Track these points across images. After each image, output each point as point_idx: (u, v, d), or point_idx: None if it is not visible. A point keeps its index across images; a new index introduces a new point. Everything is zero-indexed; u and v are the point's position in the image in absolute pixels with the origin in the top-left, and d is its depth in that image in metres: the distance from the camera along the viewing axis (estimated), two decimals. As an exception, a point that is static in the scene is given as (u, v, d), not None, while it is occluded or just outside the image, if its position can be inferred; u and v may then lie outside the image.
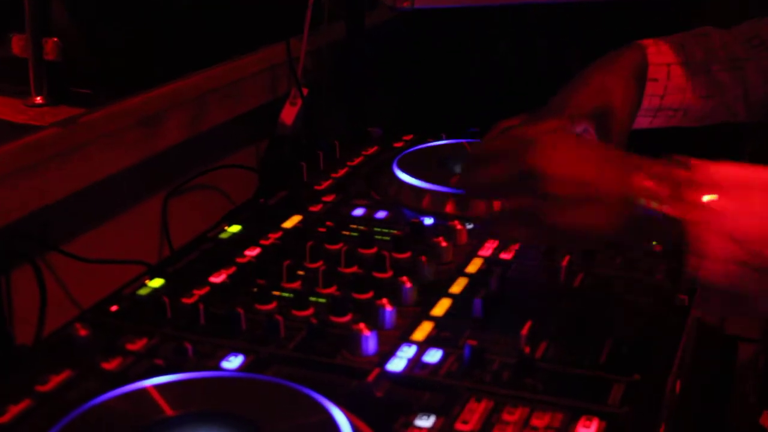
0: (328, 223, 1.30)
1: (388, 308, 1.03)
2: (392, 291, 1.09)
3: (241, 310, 1.04)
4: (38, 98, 2.01)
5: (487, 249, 1.23)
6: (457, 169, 1.45)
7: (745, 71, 1.40)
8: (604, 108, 1.37)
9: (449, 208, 1.35)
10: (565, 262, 1.15)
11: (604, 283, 1.12)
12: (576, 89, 1.40)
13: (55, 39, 2.07)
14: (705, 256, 0.91)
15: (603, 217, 0.95)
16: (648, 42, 1.41)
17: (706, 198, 0.91)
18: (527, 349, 0.97)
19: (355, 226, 1.31)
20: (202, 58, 1.64)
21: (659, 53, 1.39)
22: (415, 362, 0.97)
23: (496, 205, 1.32)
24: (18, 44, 2.06)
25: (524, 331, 0.99)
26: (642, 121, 1.42)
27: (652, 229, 0.94)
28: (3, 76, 2.26)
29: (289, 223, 1.33)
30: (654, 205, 0.92)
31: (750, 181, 0.93)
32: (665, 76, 1.39)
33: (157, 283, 1.15)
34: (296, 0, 1.68)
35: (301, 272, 1.17)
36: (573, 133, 1.06)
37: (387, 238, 1.26)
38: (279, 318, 1.02)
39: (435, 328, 1.04)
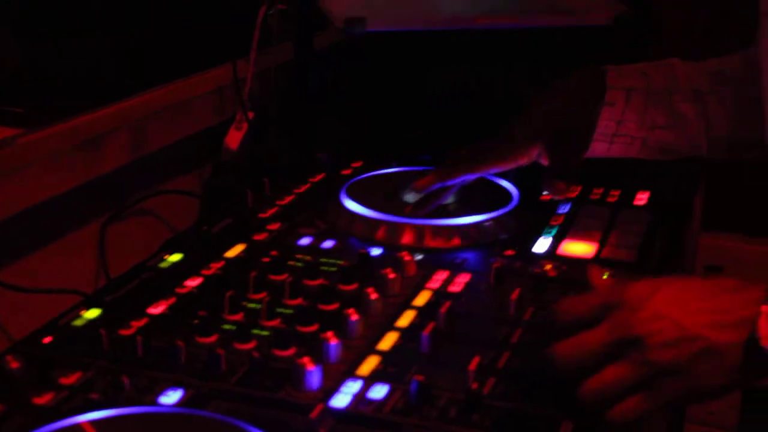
0: (273, 253, 1.31)
1: (333, 342, 1.03)
2: (338, 324, 1.09)
3: (180, 343, 1.04)
4: None
5: (436, 281, 1.24)
6: (409, 198, 1.45)
7: (708, 105, 1.43)
8: (561, 131, 1.39)
9: (398, 238, 1.36)
10: (515, 296, 1.16)
11: (555, 317, 1.09)
12: (533, 112, 1.42)
13: None
14: None
15: (722, 370, 0.92)
16: (610, 67, 1.42)
17: None
18: (475, 385, 0.97)
19: (300, 256, 1.31)
20: (146, 79, 1.63)
21: (619, 77, 1.41)
22: (360, 398, 0.97)
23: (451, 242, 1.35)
24: None
25: (472, 366, 0.99)
26: (599, 147, 1.43)
27: None
28: None
29: (232, 253, 1.32)
30: None
31: None
32: (623, 101, 1.40)
33: (93, 313, 1.14)
34: (244, 20, 1.68)
35: (243, 304, 1.16)
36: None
37: (334, 269, 1.26)
38: (220, 351, 1.02)
39: (381, 362, 1.04)
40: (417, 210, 1.41)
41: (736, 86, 1.44)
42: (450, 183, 1.42)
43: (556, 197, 1.37)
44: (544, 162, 1.40)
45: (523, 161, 1.40)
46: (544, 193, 1.49)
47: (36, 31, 2.34)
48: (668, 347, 0.92)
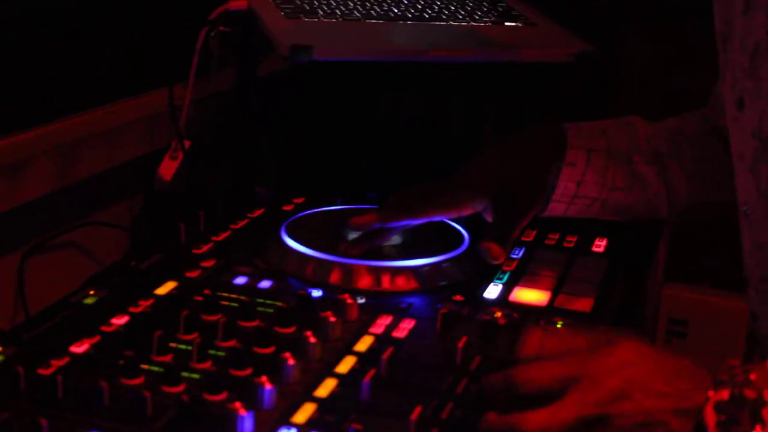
0: (206, 292, 1.31)
1: (268, 387, 1.04)
2: (273, 368, 1.10)
3: (104, 384, 1.03)
4: None
5: (379, 326, 1.24)
6: (353, 236, 1.47)
7: (668, 168, 1.47)
8: (510, 188, 1.41)
9: (340, 280, 1.37)
10: (461, 344, 1.16)
11: (502, 367, 1.10)
12: (484, 164, 1.45)
13: None
14: None
15: None
16: (569, 125, 1.45)
17: None
18: None
19: (235, 296, 1.31)
20: (75, 102, 1.63)
21: (579, 136, 1.44)
22: None
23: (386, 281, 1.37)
24: None
25: (414, 416, 1.00)
26: (557, 207, 1.46)
27: None
28: None
29: (163, 290, 1.32)
30: None
31: None
32: (584, 162, 1.43)
33: (9, 351, 1.14)
34: (183, 44, 1.69)
35: (173, 344, 1.16)
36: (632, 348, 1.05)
37: (271, 310, 1.27)
38: (146, 394, 1.02)
39: (318, 410, 1.04)
40: (352, 248, 1.42)
41: (696, 146, 1.49)
42: (389, 226, 1.44)
43: (490, 262, 1.38)
44: (488, 217, 1.42)
45: (466, 212, 1.42)
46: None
47: None
48: (633, 429, 0.97)
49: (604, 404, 0.97)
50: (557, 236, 1.60)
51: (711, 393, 0.95)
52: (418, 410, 1.01)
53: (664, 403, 0.98)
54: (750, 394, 0.94)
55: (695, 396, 0.97)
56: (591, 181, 1.45)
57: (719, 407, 0.94)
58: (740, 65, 1.25)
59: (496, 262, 1.35)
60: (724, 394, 0.95)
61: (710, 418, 0.94)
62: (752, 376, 0.96)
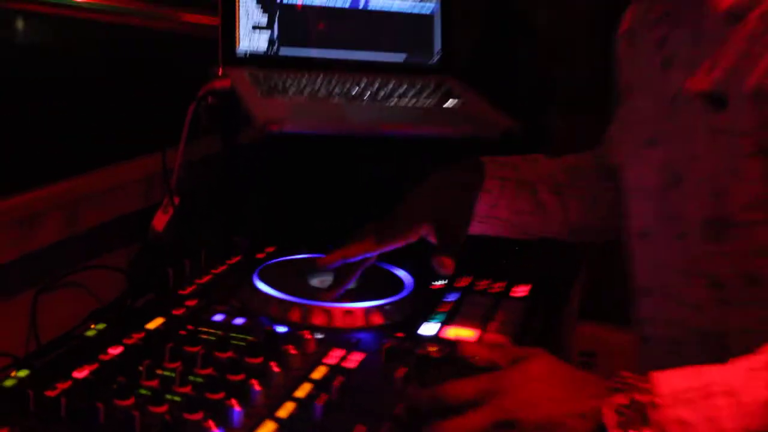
0: (189, 327, 1.31)
1: (237, 408, 1.06)
2: (242, 393, 1.11)
3: (100, 405, 1.05)
4: None
5: (333, 358, 1.25)
6: (314, 282, 1.48)
7: (566, 197, 1.50)
8: (445, 213, 1.41)
9: (301, 317, 1.37)
10: (400, 373, 1.18)
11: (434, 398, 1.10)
12: (421, 196, 1.44)
13: None
14: None
15: None
16: (486, 159, 1.47)
17: (677, 416, 0.97)
18: None
19: (213, 331, 1.31)
20: (82, 164, 1.63)
21: (495, 169, 1.46)
22: None
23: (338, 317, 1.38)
24: None
25: None
26: (475, 227, 1.47)
27: None
28: None
29: (153, 325, 1.32)
30: None
31: (711, 389, 0.98)
32: (498, 190, 1.45)
33: (22, 374, 1.15)
34: (175, 115, 1.70)
35: (159, 371, 1.17)
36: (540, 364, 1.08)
37: (242, 343, 1.27)
38: (135, 413, 1.03)
39: (278, 429, 1.06)
40: (328, 294, 1.43)
41: (589, 180, 1.52)
42: (351, 260, 1.43)
43: (443, 273, 1.37)
44: (432, 240, 1.42)
45: (413, 239, 1.42)
46: (436, 276, 1.51)
47: None
48: (539, 430, 1.00)
49: (514, 411, 1.01)
50: (486, 283, 1.59)
51: (607, 399, 0.99)
52: (361, 429, 1.04)
53: (564, 408, 1.01)
54: (642, 398, 0.98)
55: (591, 401, 1.00)
56: (503, 205, 1.46)
57: (618, 409, 0.98)
58: (654, 111, 1.28)
59: (448, 273, 1.35)
60: (622, 399, 0.98)
61: (609, 418, 0.98)
62: (642, 384, 1.00)
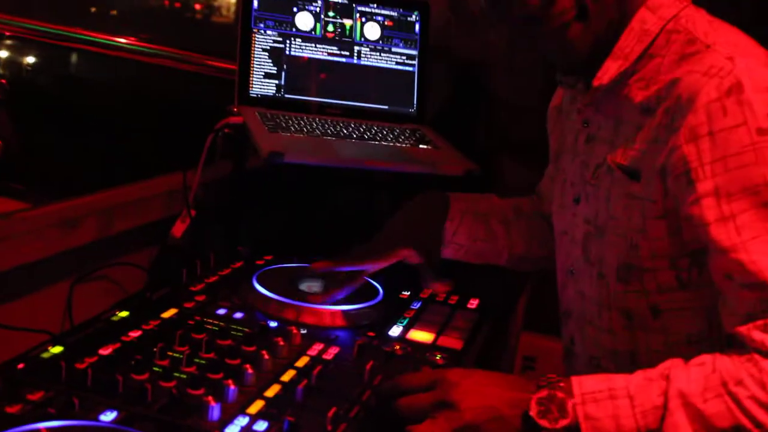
0: (197, 318, 1.32)
1: (232, 387, 1.07)
2: (237, 375, 1.12)
3: (119, 377, 1.06)
4: None
5: (314, 350, 1.26)
6: (302, 286, 1.47)
7: (511, 229, 1.49)
8: (421, 237, 1.41)
9: (290, 315, 1.37)
10: (369, 366, 1.19)
11: (395, 384, 1.12)
12: (399, 223, 1.43)
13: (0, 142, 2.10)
14: None
15: (507, 430, 1.01)
16: (451, 194, 1.47)
17: (585, 411, 1.00)
18: (330, 427, 1.03)
19: (216, 322, 1.31)
20: (116, 179, 1.63)
21: (457, 202, 1.46)
22: (247, 430, 1.01)
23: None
24: None
25: (330, 413, 1.04)
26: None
27: None
28: None
29: (167, 314, 1.32)
30: (548, 422, 1.00)
31: (615, 392, 1.01)
32: (459, 219, 1.45)
33: (57, 349, 1.15)
34: (195, 143, 1.69)
35: (170, 353, 1.17)
36: (480, 371, 1.11)
37: (240, 333, 1.27)
38: (148, 386, 1.05)
39: (265, 405, 1.07)
40: (321, 298, 1.41)
41: (529, 219, 1.52)
42: (338, 269, 1.41)
43: (440, 292, 1.40)
44: (412, 261, 1.41)
45: (394, 260, 1.41)
46: (404, 286, 1.53)
47: (36, 128, 2.36)
48: (473, 410, 1.02)
49: (453, 395, 1.03)
50: (444, 296, 1.58)
51: (534, 395, 1.01)
52: (333, 410, 1.06)
53: (498, 397, 1.03)
54: (560, 394, 1.01)
55: (521, 394, 1.03)
56: (463, 232, 1.46)
57: (540, 401, 1.01)
58: (578, 176, 1.27)
59: (443, 291, 1.39)
60: (544, 393, 1.01)
61: (533, 408, 1.00)
62: (562, 384, 1.02)
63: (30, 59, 3.68)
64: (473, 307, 1.56)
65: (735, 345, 1.04)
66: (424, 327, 1.43)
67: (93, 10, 4.07)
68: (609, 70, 1.16)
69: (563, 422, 1.00)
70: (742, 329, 1.02)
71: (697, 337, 1.16)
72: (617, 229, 1.18)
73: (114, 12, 4.13)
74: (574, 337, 1.33)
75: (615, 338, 1.23)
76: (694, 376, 1.01)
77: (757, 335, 1.00)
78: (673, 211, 1.10)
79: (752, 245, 1.01)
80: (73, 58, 3.33)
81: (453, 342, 1.38)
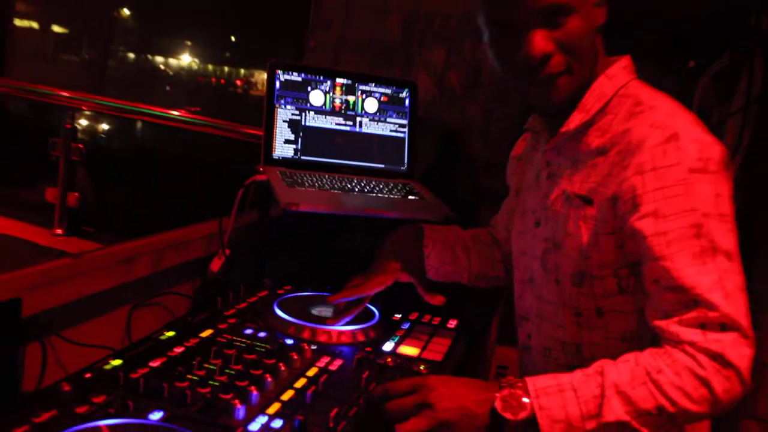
0: (228, 336, 1.32)
1: (255, 392, 1.09)
2: (260, 383, 1.14)
3: (165, 384, 1.08)
4: (59, 230, 2.06)
5: (322, 362, 1.26)
6: (315, 311, 1.46)
7: (471, 255, 1.49)
8: (410, 264, 1.41)
9: (303, 335, 1.37)
10: (365, 375, 1.21)
11: (384, 389, 1.10)
12: (388, 254, 1.43)
13: (77, 194, 2.11)
14: None
15: (478, 424, 1.03)
16: (425, 226, 1.47)
17: (539, 403, 1.02)
18: (331, 424, 1.05)
19: (244, 340, 1.31)
20: (165, 225, 1.63)
21: (431, 232, 1.46)
22: (266, 427, 1.03)
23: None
24: (51, 194, 2.11)
25: (332, 413, 1.07)
26: None
27: (512, 427, 1.02)
28: (36, 213, 2.29)
29: (205, 334, 1.33)
30: (511, 414, 1.02)
31: (562, 386, 1.03)
32: (431, 246, 1.44)
33: (116, 362, 1.17)
34: (229, 196, 1.66)
35: (206, 365, 1.19)
36: (452, 377, 1.12)
37: (263, 349, 1.28)
38: (188, 391, 1.07)
39: (281, 407, 1.09)
40: (334, 320, 1.41)
41: (484, 246, 1.52)
42: (348, 299, 1.41)
43: (437, 305, 1.39)
44: (403, 280, 1.40)
45: (391, 282, 1.40)
46: (395, 310, 1.52)
47: (106, 182, 2.38)
48: (448, 411, 1.03)
49: (431, 398, 1.04)
50: (428, 318, 1.58)
51: (498, 393, 1.03)
52: (335, 410, 1.08)
53: (468, 398, 1.04)
54: (518, 392, 1.03)
55: (487, 394, 1.04)
56: (434, 257, 1.45)
57: (503, 399, 1.03)
58: (539, 205, 1.28)
59: (441, 304, 1.38)
60: (506, 392, 1.03)
61: (498, 404, 1.02)
62: (519, 384, 1.04)
63: (104, 127, 3.74)
64: (452, 326, 1.55)
65: (655, 343, 1.06)
66: (411, 343, 1.42)
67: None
68: (574, 120, 1.19)
69: (523, 414, 1.02)
70: (662, 323, 1.05)
71: (630, 335, 1.18)
72: (572, 243, 1.19)
73: (168, 88, 4.17)
74: (531, 334, 1.32)
75: (565, 332, 1.24)
76: (623, 370, 1.03)
77: (673, 328, 1.03)
78: (619, 229, 1.12)
79: (677, 257, 1.04)
80: (138, 126, 3.39)
81: (435, 355, 1.38)
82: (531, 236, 1.31)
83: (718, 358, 1.00)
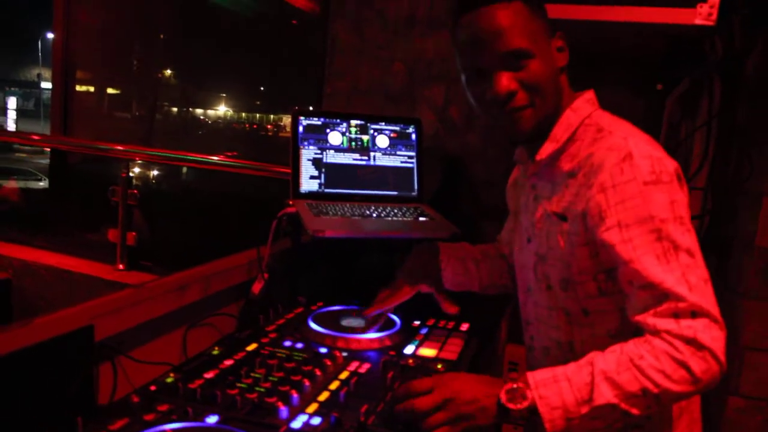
0: (270, 348, 1.35)
1: (295, 395, 1.12)
2: (299, 386, 1.16)
3: (218, 392, 1.11)
4: (121, 266, 2.12)
5: (352, 366, 1.28)
6: (344, 322, 1.48)
7: (480, 266, 1.50)
8: (431, 276, 1.44)
9: (335, 344, 1.40)
10: (390, 375, 1.22)
11: (406, 388, 1.11)
12: (411, 266, 1.45)
13: (134, 233, 2.17)
14: (549, 421, 1.02)
15: (489, 414, 1.05)
16: (441, 243, 1.48)
17: (538, 393, 1.04)
18: (362, 419, 1.07)
19: (284, 351, 1.33)
20: (212, 257, 1.65)
21: (445, 248, 1.47)
22: (306, 424, 1.06)
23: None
24: (113, 235, 2.18)
25: (362, 409, 1.09)
26: None
27: (517, 415, 1.04)
28: (100, 251, 2.35)
29: (250, 348, 1.35)
30: (514, 404, 1.04)
31: (557, 377, 1.04)
32: (446, 260, 1.47)
33: (177, 375, 1.19)
34: (264, 227, 1.66)
35: (252, 374, 1.21)
36: (463, 374, 1.13)
37: (300, 358, 1.30)
38: (238, 397, 1.10)
39: (319, 406, 1.12)
40: (368, 327, 1.44)
41: (491, 258, 1.53)
42: (380, 311, 1.44)
43: (452, 313, 1.40)
44: (424, 290, 1.42)
45: (414, 293, 1.43)
46: (414, 318, 1.53)
47: (159, 221, 2.43)
48: (466, 404, 1.05)
49: (449, 394, 1.06)
50: (443, 323, 1.59)
51: (503, 387, 1.05)
52: (365, 407, 1.10)
53: (479, 392, 1.06)
54: (520, 384, 1.04)
55: (494, 389, 1.06)
56: (449, 270, 1.46)
57: (507, 391, 1.04)
58: (529, 223, 1.30)
59: (456, 312, 1.40)
60: (509, 386, 1.04)
61: (503, 396, 1.04)
62: (521, 378, 1.05)
63: (154, 173, 3.82)
64: (465, 329, 1.57)
65: (637, 335, 1.08)
66: (429, 345, 1.44)
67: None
68: (547, 149, 1.22)
69: (525, 403, 1.03)
70: (640, 317, 1.06)
71: (615, 332, 1.18)
72: (555, 255, 1.21)
73: (200, 132, 4.24)
74: (533, 336, 1.34)
75: (559, 332, 1.25)
76: (609, 359, 1.04)
77: (650, 320, 1.05)
78: (591, 241, 1.14)
79: (644, 259, 1.05)
80: (183, 170, 3.46)
81: (450, 354, 1.39)
82: (525, 251, 1.33)
83: (692, 342, 1.01)
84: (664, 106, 1.85)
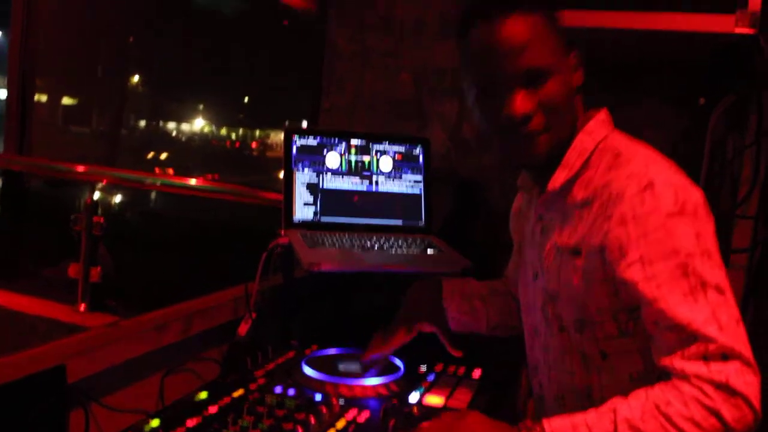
0: (257, 395, 1.41)
1: None
2: None
3: None
4: (82, 306, 2.20)
5: (350, 415, 1.35)
6: (341, 367, 1.56)
7: (488, 305, 1.59)
8: (433, 316, 1.53)
9: (330, 390, 1.46)
10: (391, 423, 1.31)
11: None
12: (411, 306, 1.55)
13: (98, 268, 2.25)
14: None
15: None
16: (444, 279, 1.57)
17: None
18: None
19: (274, 397, 1.38)
20: (194, 293, 1.72)
21: (448, 285, 1.57)
22: None
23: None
24: (73, 270, 2.26)
25: None
26: None
27: None
28: (58, 290, 2.44)
29: (236, 393, 1.41)
30: None
31: (576, 425, 1.11)
32: (450, 298, 1.55)
33: (154, 423, 1.25)
34: (253, 262, 1.74)
35: (239, 422, 1.27)
36: (476, 414, 1.20)
37: (293, 405, 1.35)
38: None
39: None
40: (363, 371, 1.52)
41: (500, 296, 1.62)
42: (378, 357, 1.53)
43: (457, 356, 1.49)
44: (426, 330, 1.51)
45: (415, 334, 1.52)
46: (421, 363, 1.61)
47: (123, 254, 2.51)
48: None
49: None
50: (453, 368, 1.65)
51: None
52: None
53: None
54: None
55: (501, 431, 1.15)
56: (453, 308, 1.55)
57: None
58: (536, 258, 1.38)
59: (460, 356, 1.48)
60: None
61: None
62: (537, 427, 1.14)
63: (117, 198, 3.91)
64: (476, 377, 1.63)
65: (663, 378, 1.16)
66: (437, 393, 1.51)
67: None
68: (559, 178, 1.31)
69: None
70: (667, 361, 1.15)
71: (637, 375, 1.27)
72: (568, 292, 1.29)
73: (164, 154, 4.23)
74: (542, 384, 1.41)
75: (574, 378, 1.33)
76: (634, 405, 1.12)
77: (678, 363, 1.13)
78: (611, 277, 1.22)
79: (669, 297, 1.14)
80: (152, 195, 3.54)
81: (459, 404, 1.46)
82: (532, 289, 1.41)
83: (723, 387, 1.09)
84: (707, 121, 1.96)
